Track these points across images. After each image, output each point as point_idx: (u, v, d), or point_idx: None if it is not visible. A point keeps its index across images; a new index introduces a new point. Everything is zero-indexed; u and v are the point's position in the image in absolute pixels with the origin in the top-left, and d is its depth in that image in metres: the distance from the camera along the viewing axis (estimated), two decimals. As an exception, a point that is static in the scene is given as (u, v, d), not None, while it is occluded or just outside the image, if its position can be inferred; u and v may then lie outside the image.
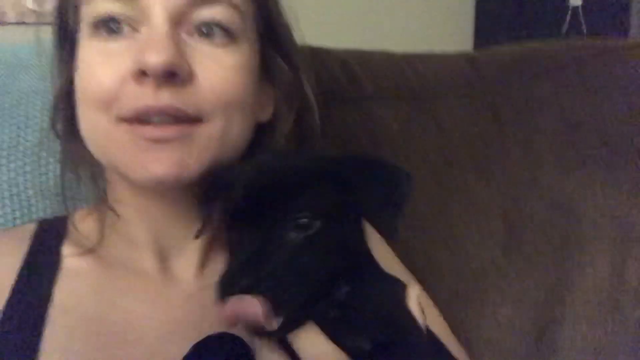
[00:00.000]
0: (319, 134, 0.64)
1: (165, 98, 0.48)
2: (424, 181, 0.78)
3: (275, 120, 0.60)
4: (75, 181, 0.59)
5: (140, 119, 0.49)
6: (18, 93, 0.65)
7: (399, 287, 0.49)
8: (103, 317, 0.52)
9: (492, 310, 0.75)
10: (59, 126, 0.57)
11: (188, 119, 0.49)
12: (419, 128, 0.81)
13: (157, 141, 0.49)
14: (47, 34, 0.59)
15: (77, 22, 0.53)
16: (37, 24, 1.63)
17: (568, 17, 2.05)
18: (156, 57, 0.46)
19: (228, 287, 0.40)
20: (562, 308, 0.76)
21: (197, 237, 0.52)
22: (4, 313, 0.50)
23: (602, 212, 0.79)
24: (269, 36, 0.58)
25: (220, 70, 0.51)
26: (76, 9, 0.53)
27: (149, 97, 0.48)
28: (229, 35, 0.51)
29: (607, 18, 2.05)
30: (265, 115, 0.60)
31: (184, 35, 0.50)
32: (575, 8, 2.06)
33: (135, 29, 0.50)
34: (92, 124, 0.52)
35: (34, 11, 1.63)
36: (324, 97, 0.73)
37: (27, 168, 0.63)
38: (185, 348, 0.52)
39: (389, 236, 0.45)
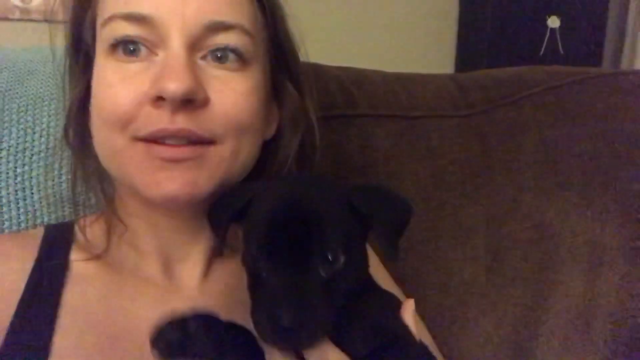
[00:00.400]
0: (318, 153, 0.67)
1: (180, 122, 0.50)
2: (413, 200, 0.81)
3: (279, 138, 0.63)
4: (83, 189, 0.60)
5: (156, 139, 0.50)
6: (25, 98, 0.66)
7: (395, 302, 0.52)
8: (112, 321, 0.54)
9: (474, 326, 0.79)
10: (71, 136, 0.59)
11: (201, 141, 0.51)
12: (409, 147, 0.84)
13: (171, 160, 0.51)
14: (57, 38, 0.59)
15: (93, 40, 0.55)
16: (22, 20, 1.61)
17: (546, 39, 2.14)
18: (175, 86, 0.48)
19: (270, 329, 0.43)
20: (538, 326, 0.80)
21: (217, 254, 0.54)
22: (16, 315, 0.51)
23: (577, 235, 0.83)
24: (279, 60, 0.61)
25: (233, 96, 0.53)
26: (93, 28, 0.54)
27: (165, 120, 0.50)
28: (242, 60, 0.54)
29: (583, 39, 2.14)
30: (270, 133, 0.62)
31: (199, 61, 0.52)
32: (553, 30, 2.14)
33: (152, 52, 0.51)
34: (107, 141, 0.53)
35: (17, 7, 1.61)
36: (320, 113, 0.76)
37: (34, 173, 0.64)
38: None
39: (392, 258, 0.47)
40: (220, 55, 0.53)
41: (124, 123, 0.51)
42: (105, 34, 0.52)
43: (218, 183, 0.53)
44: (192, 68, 0.51)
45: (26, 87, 0.67)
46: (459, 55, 2.20)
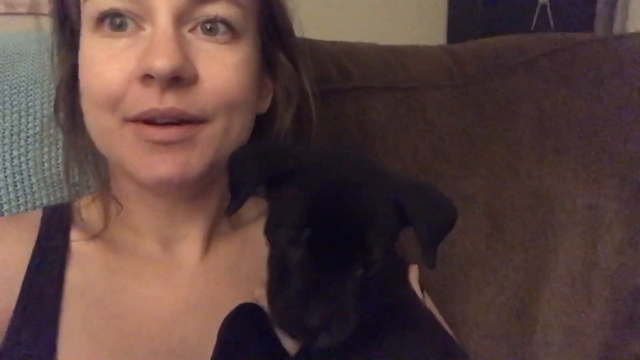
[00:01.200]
0: (315, 126, 0.67)
1: (169, 101, 0.49)
2: (412, 172, 0.82)
3: (274, 110, 0.62)
4: (78, 170, 0.60)
5: (145, 119, 0.50)
6: (17, 82, 0.65)
7: (402, 266, 0.52)
8: (115, 299, 0.54)
9: (476, 292, 0.79)
10: (62, 115, 0.58)
11: (192, 120, 0.50)
12: (406, 119, 0.84)
13: (162, 143, 0.50)
14: (45, 24, 0.59)
15: (78, 15, 0.53)
16: (29, 14, 1.59)
17: (536, 14, 2.13)
18: (162, 63, 0.47)
19: (296, 323, 0.41)
20: (539, 290, 0.81)
21: (229, 214, 0.52)
22: (21, 295, 0.51)
23: (575, 199, 0.84)
24: (271, 31, 0.59)
25: (223, 71, 0.52)
26: (77, 4, 0.53)
27: (154, 100, 0.49)
28: (232, 32, 0.53)
29: (574, 14, 2.13)
30: (264, 106, 0.61)
31: (187, 34, 0.51)
32: (544, 5, 2.13)
33: (139, 26, 0.50)
34: (97, 123, 0.52)
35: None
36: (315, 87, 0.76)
37: (30, 155, 0.63)
38: (195, 326, 0.54)
39: (429, 264, 0.45)
40: (209, 27, 0.51)
41: (113, 103, 0.50)
42: (90, 8, 0.51)
43: (210, 162, 0.52)
44: (180, 43, 0.49)
45: (18, 70, 0.66)
46: (450, 31, 2.19)
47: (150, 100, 0.49)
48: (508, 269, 0.81)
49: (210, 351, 0.46)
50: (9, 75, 0.65)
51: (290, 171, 0.45)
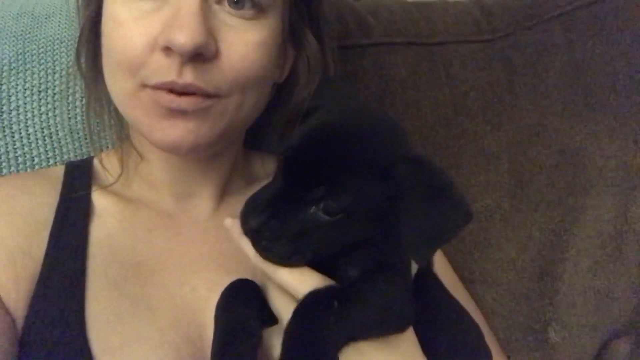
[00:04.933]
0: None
1: (188, 76, 0.49)
2: (433, 127, 0.80)
3: (294, 83, 0.62)
4: (100, 122, 0.62)
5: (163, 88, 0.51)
6: (44, 41, 0.68)
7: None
8: (133, 250, 0.57)
9: (496, 250, 0.78)
10: (84, 62, 0.59)
11: (207, 95, 0.51)
12: (428, 75, 0.82)
13: (177, 111, 0.51)
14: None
15: None
16: None
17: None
18: (185, 39, 0.47)
19: (242, 222, 0.45)
20: (565, 250, 0.79)
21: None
22: (49, 244, 0.54)
23: (608, 157, 0.80)
24: (300, 7, 0.59)
25: (244, 49, 0.52)
26: None
27: (173, 72, 0.49)
28: (259, 7, 0.52)
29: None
30: (283, 76, 0.61)
31: (214, 5, 0.51)
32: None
33: None
34: (117, 83, 0.54)
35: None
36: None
37: (57, 111, 0.67)
38: (205, 276, 0.57)
39: (417, 259, 0.44)
40: (236, 1, 0.51)
41: (134, 68, 0.51)
42: None
43: (219, 134, 0.54)
44: (205, 16, 0.49)
45: (45, 30, 0.69)
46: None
47: (170, 72, 0.49)
48: (533, 228, 0.79)
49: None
50: (36, 36, 0.69)
51: (314, 107, 0.49)
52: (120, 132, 0.61)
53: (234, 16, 0.51)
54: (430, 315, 0.49)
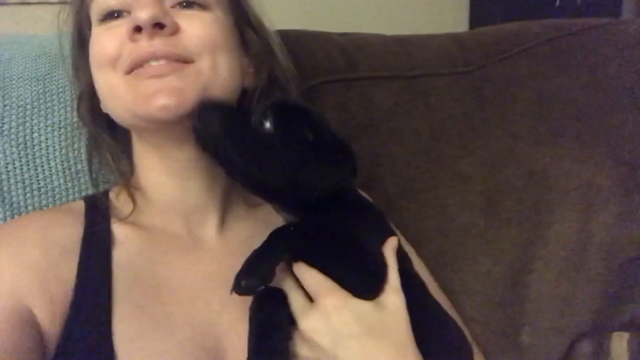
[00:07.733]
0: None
1: (157, 45, 0.59)
2: (414, 153, 0.88)
3: (257, 87, 0.71)
4: (102, 163, 0.71)
5: (140, 65, 0.60)
6: (63, 81, 0.75)
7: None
8: (151, 272, 0.63)
9: (473, 263, 0.86)
10: (84, 114, 0.69)
11: (179, 59, 0.60)
12: (409, 106, 0.90)
13: (156, 76, 0.59)
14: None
15: (89, 26, 0.65)
16: (40, 3, 1.66)
17: (561, -8, 2.11)
18: (145, 12, 0.58)
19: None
20: (533, 262, 0.86)
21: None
22: (79, 270, 0.60)
23: (570, 178, 0.88)
24: (237, 9, 0.69)
25: (201, 23, 0.62)
26: (87, 14, 0.65)
27: (144, 47, 0.59)
28: (204, 6, 0.64)
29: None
30: (249, 82, 0.70)
31: (167, 7, 0.62)
32: (568, -19, 2.10)
33: (130, 13, 0.61)
34: (104, 81, 0.63)
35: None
36: (324, 78, 0.83)
37: (75, 146, 0.74)
38: (218, 292, 0.64)
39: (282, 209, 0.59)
40: (185, 4, 0.62)
41: (112, 61, 0.61)
42: (94, 11, 0.63)
43: (202, 93, 0.60)
44: (160, 4, 0.60)
45: (62, 70, 0.76)
46: (472, 11, 2.20)
47: (141, 47, 0.59)
48: (504, 242, 0.87)
49: (229, 314, 0.58)
50: (55, 77, 0.75)
51: None
52: (119, 170, 0.70)
53: (185, 11, 0.62)
54: (413, 313, 0.54)
